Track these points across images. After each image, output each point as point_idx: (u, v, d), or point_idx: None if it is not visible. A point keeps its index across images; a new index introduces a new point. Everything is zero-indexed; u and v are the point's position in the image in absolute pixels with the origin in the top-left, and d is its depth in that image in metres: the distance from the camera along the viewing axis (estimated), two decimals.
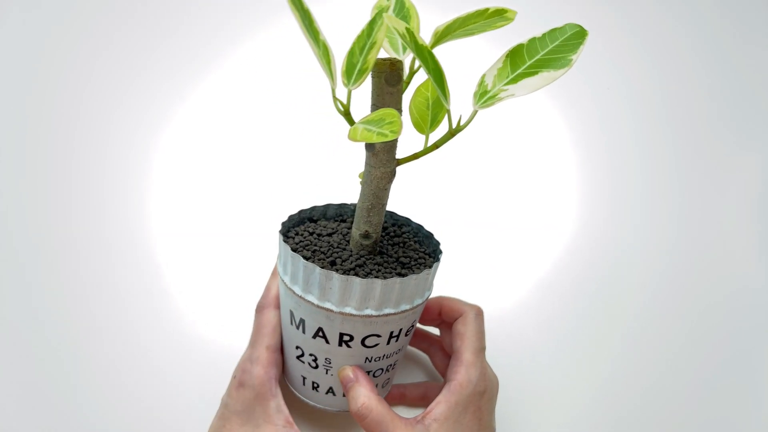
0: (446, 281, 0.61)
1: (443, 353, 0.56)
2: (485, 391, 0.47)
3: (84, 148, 0.68)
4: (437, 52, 0.37)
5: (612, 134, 0.75)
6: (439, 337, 0.56)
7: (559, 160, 0.73)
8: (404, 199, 0.58)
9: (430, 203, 0.68)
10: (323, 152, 0.68)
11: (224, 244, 0.65)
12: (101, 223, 0.65)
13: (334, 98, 0.37)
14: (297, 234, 0.47)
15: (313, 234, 0.47)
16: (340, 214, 0.52)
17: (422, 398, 0.57)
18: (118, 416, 0.56)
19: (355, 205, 0.50)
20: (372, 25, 0.36)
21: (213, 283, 0.63)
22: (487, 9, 0.34)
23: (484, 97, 0.34)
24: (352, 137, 0.32)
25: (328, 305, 0.42)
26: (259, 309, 0.50)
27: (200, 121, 0.71)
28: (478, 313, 0.50)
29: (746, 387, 0.63)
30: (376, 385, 0.49)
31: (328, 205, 0.51)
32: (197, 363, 0.59)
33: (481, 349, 0.49)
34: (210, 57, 0.73)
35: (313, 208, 0.50)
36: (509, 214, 0.70)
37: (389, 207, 0.51)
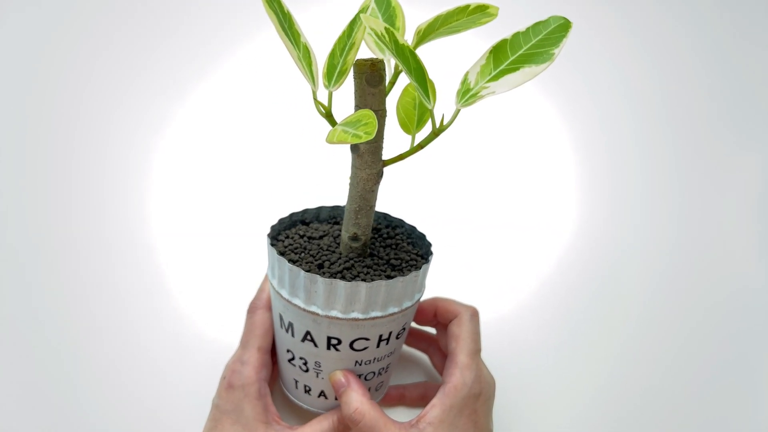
0: (445, 283, 0.59)
1: (442, 353, 0.54)
2: (480, 394, 0.46)
3: (84, 148, 0.67)
4: (423, 51, 0.35)
5: (612, 134, 0.73)
6: (436, 337, 0.55)
7: (559, 160, 0.72)
8: (402, 200, 0.56)
9: (429, 204, 0.67)
10: (325, 153, 0.67)
11: (224, 244, 0.64)
12: (101, 223, 0.64)
13: (315, 101, 0.35)
14: (287, 237, 0.46)
15: (303, 237, 0.46)
16: (334, 216, 0.50)
17: (422, 398, 0.55)
18: (118, 416, 0.55)
19: None
20: (352, 25, 0.34)
21: (213, 283, 0.62)
22: (468, 5, 0.33)
23: (466, 95, 0.32)
24: (330, 139, 0.31)
25: (313, 308, 0.41)
26: (252, 310, 0.49)
27: (200, 122, 0.70)
28: (474, 314, 0.49)
29: (746, 387, 0.61)
30: (369, 389, 0.48)
31: (320, 208, 0.50)
32: (197, 363, 0.58)
33: (476, 351, 0.47)
34: (210, 57, 0.72)
35: (305, 211, 0.49)
36: (509, 214, 0.69)
37: (385, 208, 0.50)
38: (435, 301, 0.51)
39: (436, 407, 0.44)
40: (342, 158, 0.55)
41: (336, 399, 0.47)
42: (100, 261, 0.62)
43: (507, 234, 0.67)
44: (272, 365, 0.50)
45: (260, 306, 0.49)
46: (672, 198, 0.70)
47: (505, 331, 0.62)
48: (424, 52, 0.35)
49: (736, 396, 0.61)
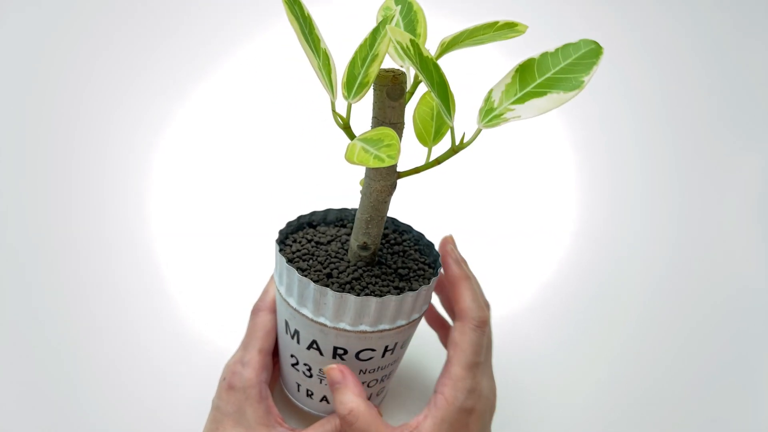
0: None
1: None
2: (474, 410, 0.43)
3: (84, 148, 0.66)
4: (444, 61, 0.34)
5: (612, 134, 0.72)
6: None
7: (559, 160, 0.71)
8: (403, 202, 0.55)
9: (429, 206, 0.65)
10: (327, 153, 0.66)
11: (225, 245, 0.63)
12: (101, 223, 0.63)
13: (334, 112, 0.34)
14: (295, 241, 0.45)
15: (311, 242, 0.45)
16: (341, 218, 0.49)
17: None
18: (118, 416, 0.54)
19: (356, 210, 0.48)
20: (375, 35, 0.32)
21: (213, 284, 0.61)
22: (497, 22, 0.32)
23: (489, 115, 0.31)
24: (349, 158, 0.29)
25: (322, 320, 0.40)
26: (255, 311, 0.48)
27: (201, 122, 0.69)
28: (480, 324, 0.44)
29: (747, 388, 0.61)
30: (371, 395, 0.47)
31: (328, 210, 0.48)
32: (197, 363, 0.57)
33: (474, 363, 0.43)
34: (210, 57, 0.71)
35: (313, 213, 0.48)
36: (509, 216, 0.68)
37: (390, 213, 0.49)
38: (459, 284, 0.46)
39: (428, 418, 0.42)
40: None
41: None
42: (101, 261, 0.61)
43: (507, 235, 0.67)
44: (273, 367, 0.49)
45: (263, 308, 0.48)
46: (672, 198, 0.70)
47: (506, 333, 0.61)
48: (443, 61, 0.35)
49: (737, 397, 0.61)
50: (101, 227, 0.63)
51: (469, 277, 0.46)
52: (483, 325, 0.44)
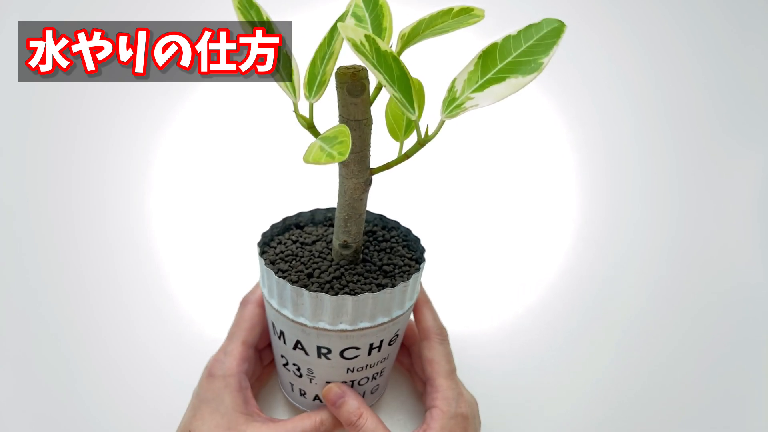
0: (445, 287, 0.55)
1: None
2: (467, 416, 0.43)
3: (85, 148, 0.65)
4: (414, 52, 0.31)
5: (612, 134, 0.69)
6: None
7: (558, 160, 0.68)
8: (401, 202, 0.53)
9: (427, 206, 0.63)
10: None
11: (225, 244, 0.61)
12: (103, 223, 0.61)
13: (297, 113, 0.31)
14: (280, 243, 0.43)
15: (296, 243, 0.42)
16: (329, 218, 0.46)
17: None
18: (120, 413, 0.52)
19: None
20: (332, 33, 0.30)
21: (214, 283, 0.59)
22: (452, 8, 0.28)
23: (450, 105, 0.27)
24: (306, 159, 0.27)
25: (302, 320, 0.38)
26: (243, 303, 0.47)
27: (201, 122, 0.67)
28: (444, 337, 0.46)
29: (746, 388, 0.57)
30: (364, 393, 0.45)
31: (315, 210, 0.46)
32: (199, 361, 0.54)
33: (451, 371, 0.45)
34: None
35: (299, 215, 0.45)
36: (508, 215, 0.65)
37: (380, 210, 0.46)
38: (421, 307, 0.47)
39: (431, 429, 0.42)
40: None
41: None
42: (102, 262, 0.59)
43: (507, 235, 0.64)
44: (256, 361, 0.47)
45: (251, 300, 0.46)
46: (672, 198, 0.66)
47: (505, 334, 0.58)
48: (414, 54, 0.31)
49: (737, 403, 0.56)
50: (103, 228, 0.61)
51: (429, 301, 0.47)
52: (446, 338, 0.46)
